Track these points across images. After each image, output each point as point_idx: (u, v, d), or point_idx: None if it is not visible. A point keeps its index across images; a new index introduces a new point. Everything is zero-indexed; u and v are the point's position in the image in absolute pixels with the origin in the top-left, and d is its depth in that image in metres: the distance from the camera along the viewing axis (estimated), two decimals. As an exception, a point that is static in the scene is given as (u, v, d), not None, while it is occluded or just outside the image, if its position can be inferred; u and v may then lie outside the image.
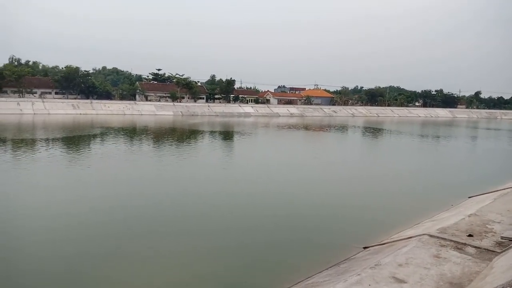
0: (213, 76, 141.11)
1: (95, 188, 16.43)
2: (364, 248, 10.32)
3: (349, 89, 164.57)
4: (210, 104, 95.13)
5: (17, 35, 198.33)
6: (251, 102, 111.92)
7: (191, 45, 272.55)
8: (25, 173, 18.98)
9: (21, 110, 67.12)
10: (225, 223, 12.37)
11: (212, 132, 45.49)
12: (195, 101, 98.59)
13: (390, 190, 17.90)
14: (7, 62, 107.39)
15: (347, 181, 19.47)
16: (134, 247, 10.18)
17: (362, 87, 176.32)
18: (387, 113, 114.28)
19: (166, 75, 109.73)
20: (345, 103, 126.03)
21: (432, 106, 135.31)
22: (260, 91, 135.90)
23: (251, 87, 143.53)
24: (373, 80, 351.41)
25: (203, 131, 46.87)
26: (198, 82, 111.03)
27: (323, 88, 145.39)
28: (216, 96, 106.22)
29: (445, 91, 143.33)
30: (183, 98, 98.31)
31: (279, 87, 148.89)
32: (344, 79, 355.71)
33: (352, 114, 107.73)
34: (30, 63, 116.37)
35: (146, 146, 31.48)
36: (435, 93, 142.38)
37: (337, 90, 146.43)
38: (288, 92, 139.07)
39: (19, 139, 32.50)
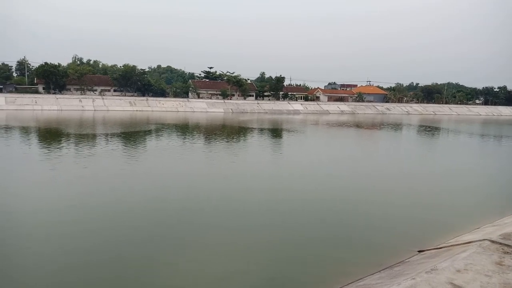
0: (262, 73, 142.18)
1: (153, 181, 17.13)
2: (419, 251, 9.97)
3: (404, 85, 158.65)
4: (259, 102, 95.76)
5: (79, 36, 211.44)
6: (301, 99, 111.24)
7: (242, 43, 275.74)
8: (94, 165, 20.23)
9: (83, 106, 71.50)
10: (275, 219, 12.42)
11: (261, 129, 45.77)
12: (244, 99, 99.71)
13: (448, 191, 17.04)
14: (70, 61, 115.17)
15: (402, 180, 18.84)
16: (187, 237, 10.55)
17: (418, 83, 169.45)
18: (445, 111, 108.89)
19: (217, 73, 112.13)
20: (399, 100, 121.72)
21: (495, 104, 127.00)
22: (310, 88, 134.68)
23: (300, 84, 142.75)
24: (430, 77, 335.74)
25: (253, 128, 47.28)
26: (248, 79, 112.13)
27: (376, 85, 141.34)
28: (266, 94, 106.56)
29: (509, 87, 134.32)
30: (233, 95, 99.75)
31: (329, 84, 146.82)
32: (398, 75, 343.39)
33: (406, 111, 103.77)
34: (91, 62, 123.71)
35: (200, 142, 32.33)
36: (497, 90, 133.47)
37: (391, 86, 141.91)
38: (339, 89, 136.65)
39: (83, 133, 34.65)
